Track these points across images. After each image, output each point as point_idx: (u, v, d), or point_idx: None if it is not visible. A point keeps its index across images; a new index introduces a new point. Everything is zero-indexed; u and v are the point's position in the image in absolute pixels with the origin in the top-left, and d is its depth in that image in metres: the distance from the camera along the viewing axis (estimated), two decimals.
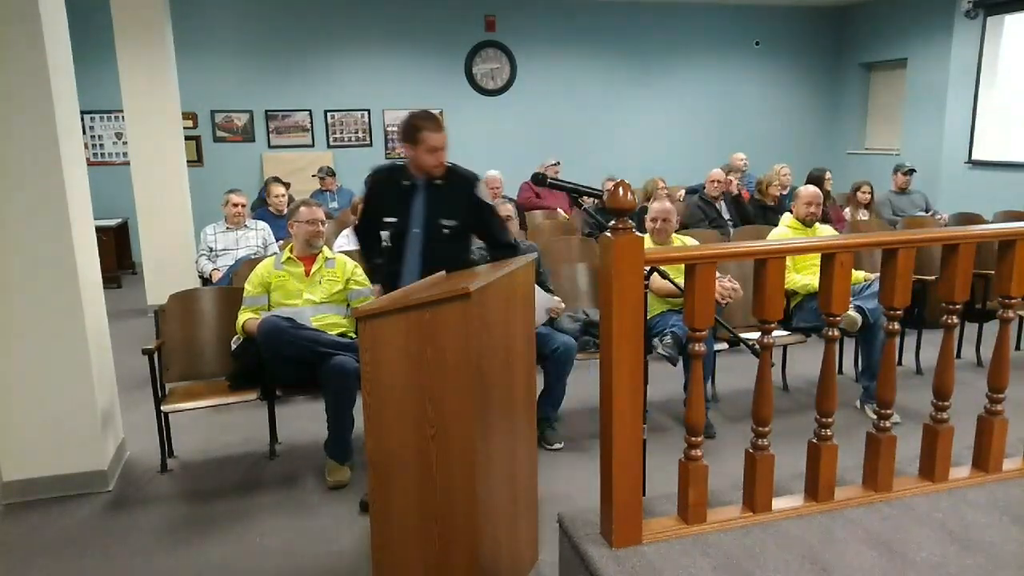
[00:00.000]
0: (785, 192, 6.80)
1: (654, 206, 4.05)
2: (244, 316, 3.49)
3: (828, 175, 6.57)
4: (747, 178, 8.01)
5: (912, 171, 6.80)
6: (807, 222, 4.24)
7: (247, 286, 3.58)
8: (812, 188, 4.40)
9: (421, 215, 2.94)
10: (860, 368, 4.40)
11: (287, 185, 6.29)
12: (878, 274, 2.57)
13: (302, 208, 3.63)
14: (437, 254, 2.87)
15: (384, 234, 3.01)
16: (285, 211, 5.68)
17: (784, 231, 4.36)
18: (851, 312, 3.75)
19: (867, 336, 3.99)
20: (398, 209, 2.96)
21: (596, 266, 4.44)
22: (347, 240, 5.27)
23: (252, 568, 2.76)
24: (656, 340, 3.68)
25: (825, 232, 4.42)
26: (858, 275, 4.07)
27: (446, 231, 2.95)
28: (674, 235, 4.12)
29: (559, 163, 7.72)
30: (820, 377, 2.24)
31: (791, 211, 4.38)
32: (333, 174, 7.60)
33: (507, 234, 3.24)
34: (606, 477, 2.04)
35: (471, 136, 9.32)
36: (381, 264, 3.11)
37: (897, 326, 2.25)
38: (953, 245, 2.23)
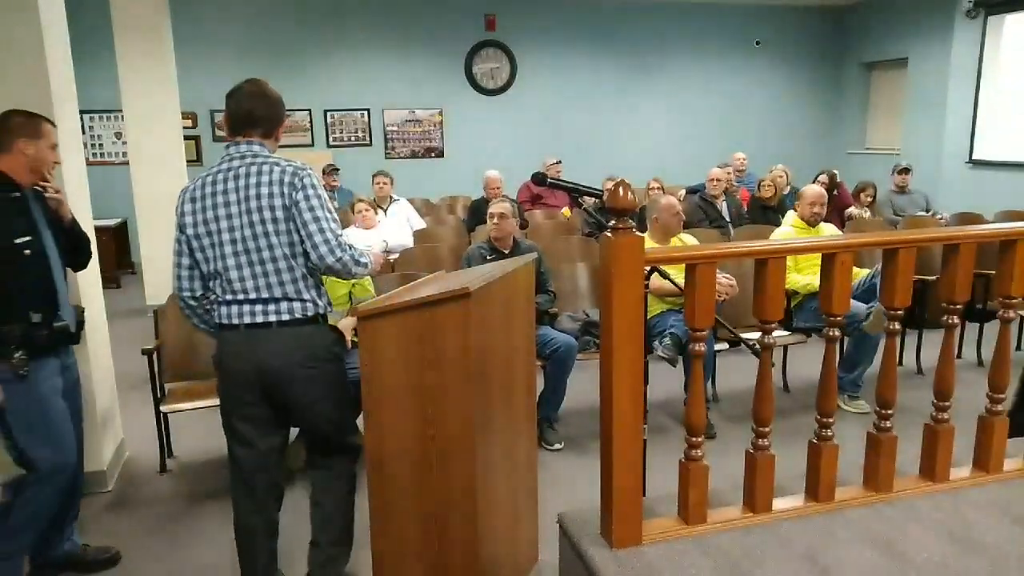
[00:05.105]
0: (786, 192, 6.83)
1: (661, 202, 4.10)
2: None
3: (821, 175, 6.71)
4: (748, 178, 8.02)
5: (907, 169, 6.83)
6: (811, 222, 4.24)
7: None
8: (816, 188, 4.40)
9: (47, 228, 2.45)
10: (840, 357, 4.33)
11: None
12: (878, 266, 2.56)
13: None
14: (65, 269, 2.54)
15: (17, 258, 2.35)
16: None
17: (788, 231, 4.36)
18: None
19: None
20: (23, 224, 2.36)
21: (596, 266, 4.43)
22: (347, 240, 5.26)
23: None
24: (656, 343, 3.67)
25: (828, 232, 4.42)
26: (859, 271, 4.06)
27: (62, 242, 2.57)
28: None
29: (560, 162, 7.71)
30: (820, 377, 2.23)
31: (795, 210, 4.39)
32: (338, 170, 7.60)
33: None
34: (606, 477, 2.03)
35: (471, 136, 9.33)
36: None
37: (897, 326, 2.25)
38: (953, 245, 2.23)
